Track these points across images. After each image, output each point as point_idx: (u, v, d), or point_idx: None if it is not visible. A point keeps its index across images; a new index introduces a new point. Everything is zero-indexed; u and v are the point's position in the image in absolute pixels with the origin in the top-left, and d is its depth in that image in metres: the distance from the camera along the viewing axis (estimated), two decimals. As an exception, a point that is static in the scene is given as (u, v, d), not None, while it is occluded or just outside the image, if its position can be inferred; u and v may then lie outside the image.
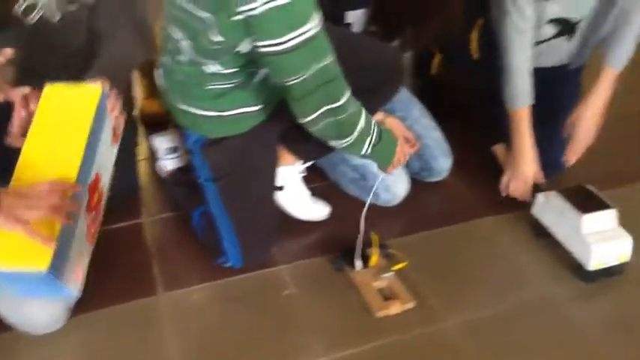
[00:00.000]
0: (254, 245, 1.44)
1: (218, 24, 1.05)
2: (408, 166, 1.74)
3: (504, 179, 1.68)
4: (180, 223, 1.61)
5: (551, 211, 1.54)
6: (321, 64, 1.11)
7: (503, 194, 1.69)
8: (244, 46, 1.08)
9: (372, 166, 1.59)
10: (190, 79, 1.23)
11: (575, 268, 1.47)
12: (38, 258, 0.92)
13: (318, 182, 1.77)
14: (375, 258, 1.45)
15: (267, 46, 1.03)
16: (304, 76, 1.09)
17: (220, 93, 1.24)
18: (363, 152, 1.33)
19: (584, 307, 1.42)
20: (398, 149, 1.42)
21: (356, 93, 1.27)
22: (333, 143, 1.30)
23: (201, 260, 1.51)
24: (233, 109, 1.29)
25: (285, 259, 1.52)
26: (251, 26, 1.01)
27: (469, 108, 1.89)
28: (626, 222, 1.48)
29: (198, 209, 1.51)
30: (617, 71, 1.64)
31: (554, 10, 1.59)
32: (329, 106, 1.17)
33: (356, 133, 1.26)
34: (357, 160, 1.64)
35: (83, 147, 1.03)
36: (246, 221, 1.41)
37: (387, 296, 1.40)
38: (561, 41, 1.68)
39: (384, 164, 1.43)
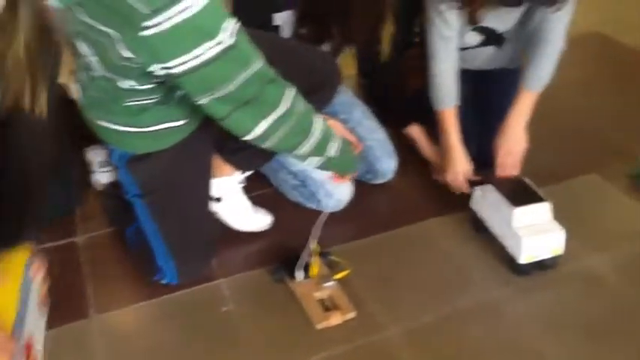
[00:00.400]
0: (189, 261, 1.39)
1: (125, 40, 0.98)
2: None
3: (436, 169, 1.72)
4: (117, 240, 1.55)
5: (488, 204, 1.53)
6: (250, 72, 1.05)
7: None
8: (155, 69, 1.00)
9: (312, 171, 1.56)
10: (107, 94, 1.17)
11: (509, 261, 1.46)
12: None
13: (261, 190, 1.73)
14: (315, 268, 1.41)
15: (181, 64, 0.96)
16: (229, 89, 1.02)
17: (140, 109, 1.18)
18: (330, 155, 1.26)
19: (522, 306, 1.40)
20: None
21: None
22: (295, 153, 1.24)
23: (138, 278, 1.45)
24: (155, 125, 1.23)
25: (224, 272, 1.48)
26: (160, 43, 0.94)
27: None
28: (565, 216, 1.47)
29: (132, 225, 1.46)
30: (537, 93, 1.64)
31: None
32: (270, 118, 1.10)
33: (317, 133, 1.19)
34: (296, 167, 1.60)
35: (13, 318, 1.05)
36: (178, 237, 1.36)
37: (329, 307, 1.36)
38: (491, 49, 1.68)
39: (350, 171, 1.39)
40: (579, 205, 1.70)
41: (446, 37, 1.56)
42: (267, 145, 1.14)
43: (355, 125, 1.68)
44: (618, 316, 1.37)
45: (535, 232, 1.43)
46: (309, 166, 1.32)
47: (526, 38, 1.65)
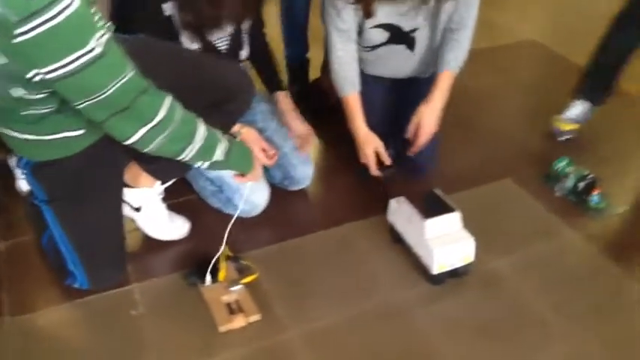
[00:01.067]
0: (99, 267, 1.43)
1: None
2: (270, 176, 1.76)
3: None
4: (37, 246, 1.58)
5: (402, 216, 1.58)
6: (122, 81, 1.07)
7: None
8: (32, 75, 1.04)
9: (228, 177, 1.60)
10: (5, 103, 1.20)
11: (423, 271, 1.52)
12: None
13: (185, 196, 1.77)
14: (223, 272, 1.46)
15: (53, 70, 1.00)
16: (104, 95, 1.06)
17: (38, 118, 1.21)
18: (214, 160, 1.30)
19: (430, 311, 1.46)
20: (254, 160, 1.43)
21: (207, 109, 1.28)
22: (180, 159, 1.28)
23: (53, 283, 1.48)
24: (53, 134, 1.26)
25: (139, 277, 1.51)
26: (33, 50, 0.98)
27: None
28: (475, 222, 1.53)
29: (47, 230, 1.49)
30: (455, 72, 1.72)
31: (377, 16, 1.64)
32: (148, 126, 1.15)
33: (198, 142, 1.23)
34: (213, 173, 1.65)
35: None
36: (86, 244, 1.39)
37: (234, 310, 1.40)
38: (404, 52, 1.73)
39: (243, 171, 1.44)
40: (489, 211, 1.77)
41: (342, 29, 1.64)
42: (149, 150, 1.19)
43: (272, 134, 1.73)
44: (513, 315, 1.44)
45: (446, 243, 1.48)
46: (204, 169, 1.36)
47: (438, 44, 1.72)
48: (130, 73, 1.08)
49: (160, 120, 1.14)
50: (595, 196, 1.80)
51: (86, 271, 1.41)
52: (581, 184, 1.81)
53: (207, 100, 1.41)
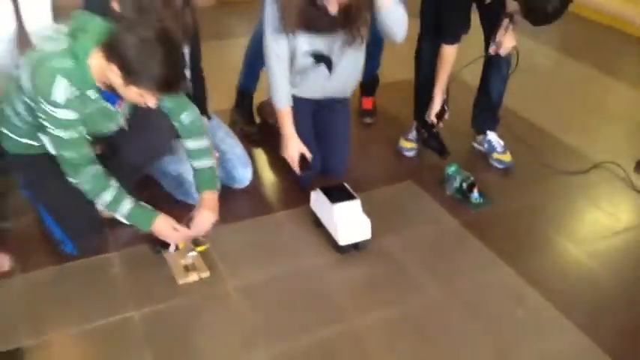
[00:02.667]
0: (79, 234, 1.92)
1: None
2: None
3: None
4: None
5: (319, 204, 2.10)
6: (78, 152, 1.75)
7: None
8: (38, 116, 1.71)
9: (188, 175, 2.08)
10: (7, 110, 1.83)
11: (334, 244, 2.03)
12: None
13: (152, 189, 2.25)
14: (182, 243, 1.95)
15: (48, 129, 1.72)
16: (62, 156, 1.75)
17: (20, 126, 1.83)
18: (123, 213, 1.82)
19: (337, 273, 1.97)
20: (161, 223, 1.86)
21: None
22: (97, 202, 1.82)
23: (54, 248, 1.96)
24: (24, 139, 1.86)
25: (117, 247, 2.00)
26: (42, 114, 1.68)
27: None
28: (377, 211, 2.07)
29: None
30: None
31: (305, 46, 2.16)
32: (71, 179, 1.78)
33: (102, 203, 1.81)
34: (174, 172, 2.14)
35: None
36: (63, 216, 1.91)
37: (190, 269, 1.90)
38: (324, 72, 2.25)
39: (142, 228, 1.88)
40: (391, 204, 2.30)
41: (279, 56, 2.16)
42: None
43: (219, 142, 2.24)
44: (398, 276, 1.96)
45: (349, 222, 2.00)
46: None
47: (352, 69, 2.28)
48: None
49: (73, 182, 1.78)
50: (475, 194, 2.33)
51: (71, 239, 1.90)
52: (465, 184, 2.35)
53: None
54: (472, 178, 2.36)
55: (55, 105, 1.62)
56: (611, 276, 2.02)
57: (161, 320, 1.75)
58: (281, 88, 2.21)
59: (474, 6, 2.34)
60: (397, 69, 2.96)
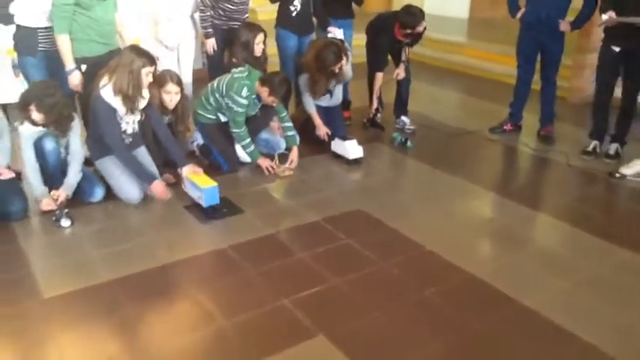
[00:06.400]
0: (231, 161, 4.06)
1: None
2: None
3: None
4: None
5: (337, 144, 4.32)
6: None
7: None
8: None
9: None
10: None
11: (346, 160, 4.23)
12: None
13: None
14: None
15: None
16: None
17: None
18: (248, 151, 4.17)
19: (350, 174, 4.17)
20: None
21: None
22: None
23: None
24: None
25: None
26: None
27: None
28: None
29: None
30: None
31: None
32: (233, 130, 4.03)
33: (243, 144, 4.21)
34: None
35: None
36: (222, 151, 4.07)
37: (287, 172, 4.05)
38: (328, 96, 4.60)
39: (253, 160, 4.24)
40: (369, 151, 4.53)
41: (310, 96, 4.49)
42: None
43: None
44: (377, 175, 4.18)
45: (353, 148, 4.24)
46: None
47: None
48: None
49: (238, 131, 4.07)
50: (409, 143, 4.61)
51: (227, 163, 4.04)
52: (403, 139, 4.63)
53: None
54: (406, 137, 4.66)
55: (243, 98, 3.84)
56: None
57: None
58: (311, 105, 4.54)
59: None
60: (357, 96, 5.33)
